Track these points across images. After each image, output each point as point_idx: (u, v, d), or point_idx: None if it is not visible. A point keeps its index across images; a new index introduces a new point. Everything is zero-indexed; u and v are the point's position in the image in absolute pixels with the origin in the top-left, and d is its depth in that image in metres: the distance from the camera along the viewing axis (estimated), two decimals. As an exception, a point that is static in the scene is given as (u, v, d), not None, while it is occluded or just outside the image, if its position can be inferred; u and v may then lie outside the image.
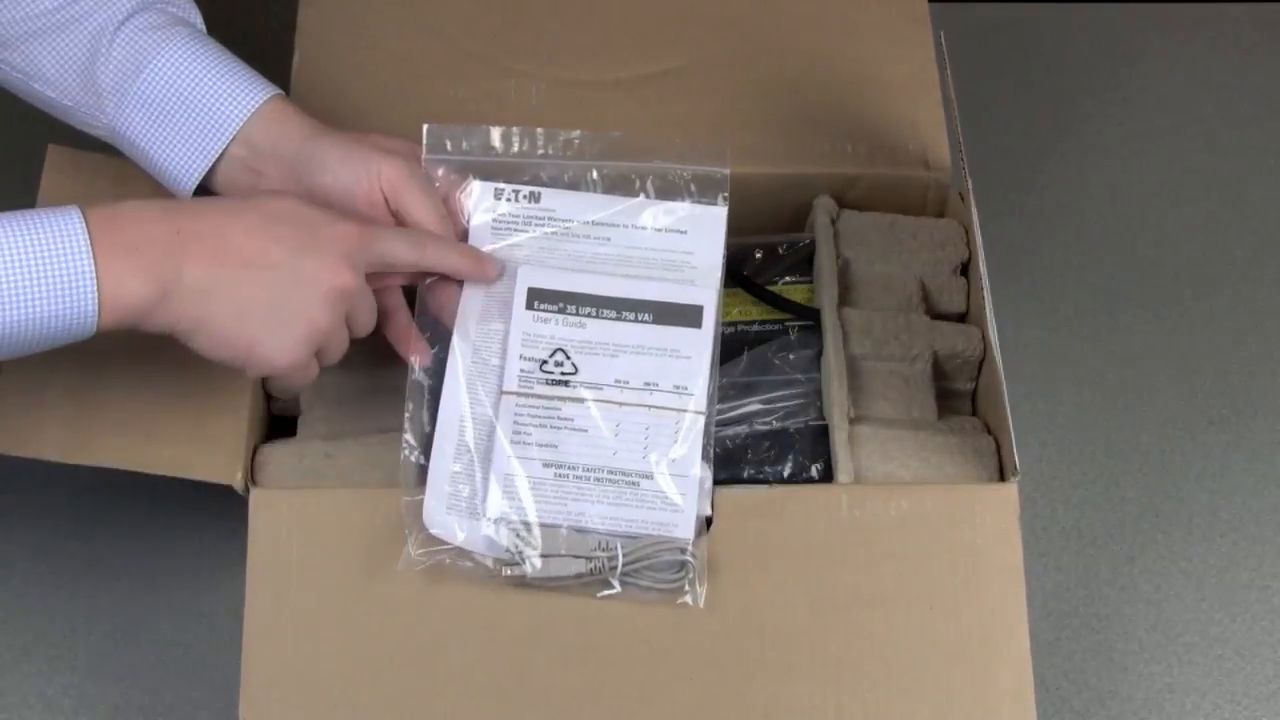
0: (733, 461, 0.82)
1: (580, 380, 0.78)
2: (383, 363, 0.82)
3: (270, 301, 0.71)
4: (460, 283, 0.80)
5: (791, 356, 0.85)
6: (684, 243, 0.81)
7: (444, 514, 0.76)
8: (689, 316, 0.79)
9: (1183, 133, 1.22)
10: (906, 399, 0.85)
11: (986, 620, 0.76)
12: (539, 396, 0.78)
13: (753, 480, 0.81)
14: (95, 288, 0.66)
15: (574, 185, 0.83)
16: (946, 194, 0.92)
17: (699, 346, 0.79)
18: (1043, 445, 1.08)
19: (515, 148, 0.83)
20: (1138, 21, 1.28)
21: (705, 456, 0.77)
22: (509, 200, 0.82)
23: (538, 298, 0.79)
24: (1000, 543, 0.77)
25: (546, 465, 0.77)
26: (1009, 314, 0.94)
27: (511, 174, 0.82)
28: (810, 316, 0.86)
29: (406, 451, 0.78)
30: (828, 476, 0.81)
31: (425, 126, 0.82)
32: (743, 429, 0.83)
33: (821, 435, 0.82)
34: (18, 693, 0.96)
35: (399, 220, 0.78)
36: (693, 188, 0.82)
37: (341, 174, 0.78)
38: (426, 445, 0.78)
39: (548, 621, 0.76)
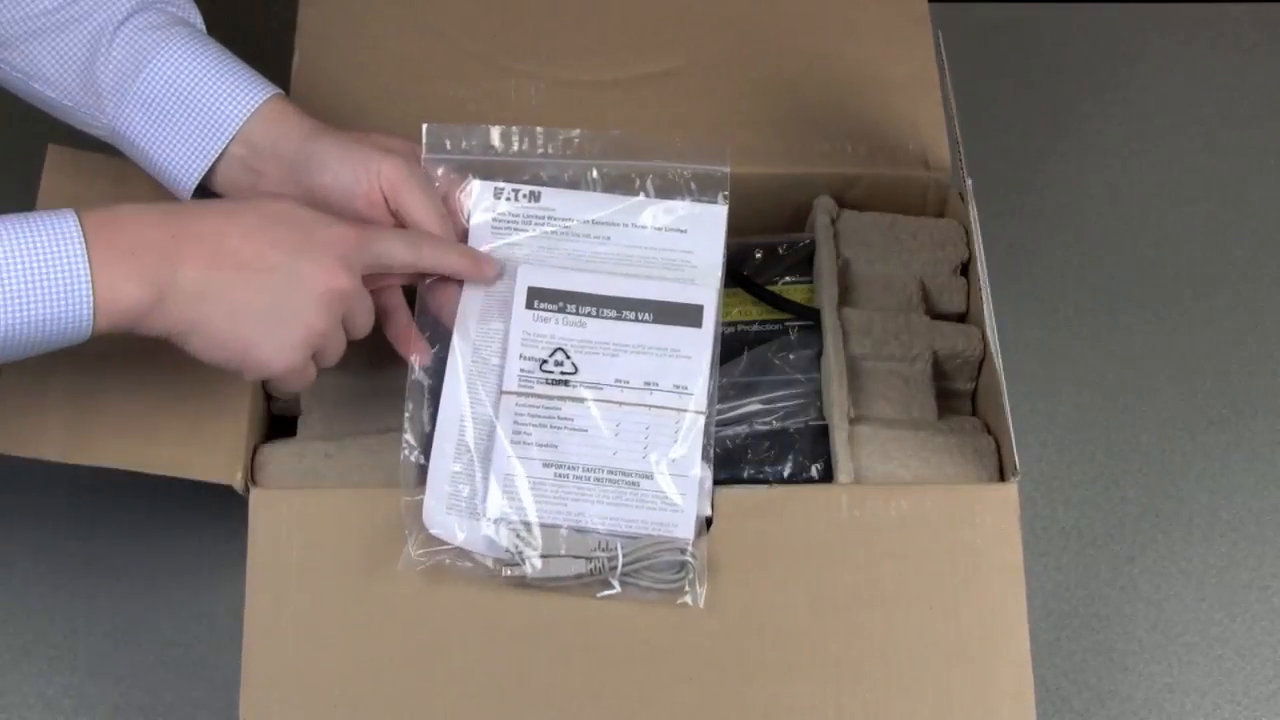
0: (733, 461, 0.82)
1: (580, 380, 0.78)
2: (382, 363, 0.82)
3: (266, 305, 0.71)
4: (460, 283, 0.80)
5: (791, 356, 0.85)
6: (684, 241, 0.81)
7: (444, 514, 0.76)
8: (689, 316, 0.79)
9: (1183, 133, 1.22)
10: (906, 399, 0.85)
11: (986, 620, 0.76)
12: (539, 396, 0.78)
13: (753, 480, 0.81)
14: (90, 291, 0.66)
15: (574, 184, 0.83)
16: (946, 194, 0.92)
17: (699, 346, 0.79)
18: (1043, 445, 1.08)
19: (515, 147, 0.83)
20: (1138, 21, 1.28)
21: (705, 456, 0.77)
22: (509, 199, 0.82)
23: (538, 297, 0.79)
24: (1000, 543, 0.77)
25: (546, 465, 0.77)
26: (1009, 314, 0.94)
27: (511, 173, 0.82)
28: (810, 316, 0.86)
29: (406, 451, 0.78)
30: (828, 476, 0.81)
31: (425, 126, 0.82)
32: (743, 429, 0.83)
33: (821, 435, 0.82)
34: (18, 693, 0.96)
35: (399, 219, 0.78)
36: (693, 186, 0.82)
37: (341, 173, 0.78)
38: (426, 445, 0.78)
39: (548, 621, 0.76)
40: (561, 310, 0.79)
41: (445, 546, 0.76)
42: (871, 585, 0.77)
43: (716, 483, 0.78)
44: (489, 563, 0.76)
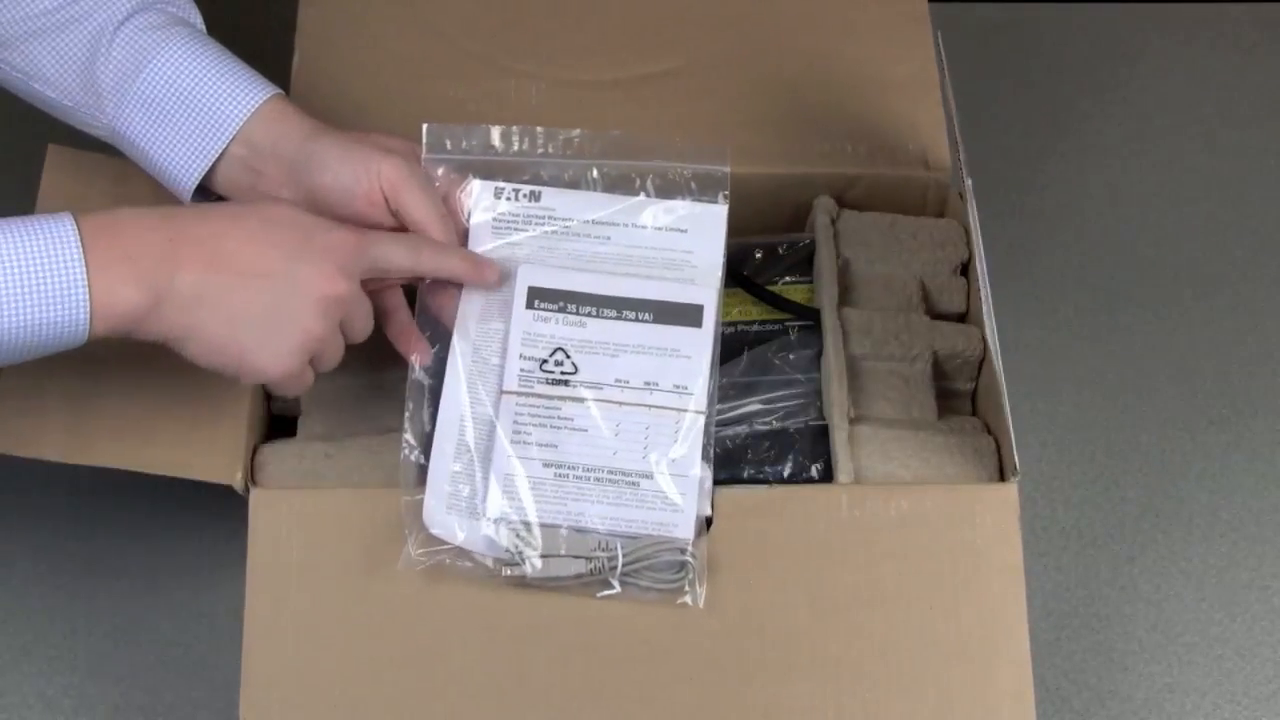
0: (733, 461, 0.82)
1: (580, 380, 0.78)
2: (383, 363, 0.82)
3: (263, 310, 0.71)
4: (460, 285, 0.80)
5: (791, 356, 0.85)
6: (684, 241, 0.81)
7: (444, 514, 0.76)
8: (689, 316, 0.79)
9: (1183, 133, 1.22)
10: (906, 399, 0.85)
11: (986, 620, 0.76)
12: (539, 396, 0.78)
13: (753, 480, 0.81)
14: (87, 296, 0.66)
15: (574, 184, 0.83)
16: (946, 194, 0.92)
17: (699, 346, 0.79)
18: (1043, 445, 1.08)
19: (515, 147, 0.83)
20: (1138, 21, 1.28)
21: (705, 456, 0.77)
22: (509, 199, 0.82)
23: (538, 297, 0.79)
24: (1000, 543, 0.77)
25: (546, 465, 0.77)
26: (1009, 314, 0.94)
27: (511, 173, 0.82)
28: (810, 316, 0.86)
29: (406, 451, 0.78)
30: (828, 476, 0.81)
31: (425, 126, 0.82)
32: (743, 429, 0.83)
33: (821, 435, 0.82)
34: (18, 693, 0.96)
35: (399, 219, 0.78)
36: (693, 186, 0.82)
37: (341, 173, 0.78)
38: (426, 445, 0.78)
39: (548, 621, 0.76)
40: (562, 310, 0.79)
41: (445, 546, 0.76)
42: (871, 585, 0.77)
43: (716, 483, 0.78)
44: (489, 562, 0.76)
